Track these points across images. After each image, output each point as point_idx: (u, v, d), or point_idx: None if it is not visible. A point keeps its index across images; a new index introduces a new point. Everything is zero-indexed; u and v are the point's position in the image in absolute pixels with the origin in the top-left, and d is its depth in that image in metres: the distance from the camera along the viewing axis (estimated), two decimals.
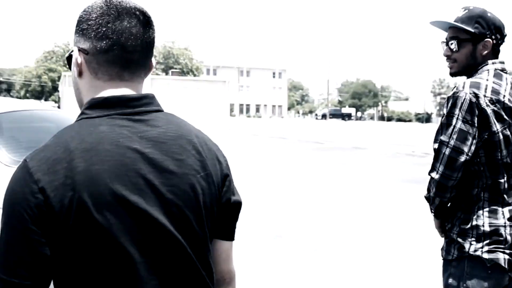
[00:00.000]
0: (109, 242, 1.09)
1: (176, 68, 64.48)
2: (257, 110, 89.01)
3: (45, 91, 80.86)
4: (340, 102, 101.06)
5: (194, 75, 66.94)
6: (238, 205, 1.34)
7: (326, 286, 4.69)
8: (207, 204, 1.23)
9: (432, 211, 2.36)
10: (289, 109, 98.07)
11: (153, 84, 51.01)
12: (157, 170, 1.16)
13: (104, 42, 1.20)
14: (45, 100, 68.72)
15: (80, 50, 1.23)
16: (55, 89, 79.46)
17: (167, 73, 61.51)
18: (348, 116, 78.63)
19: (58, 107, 44.74)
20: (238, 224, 1.43)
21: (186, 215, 1.18)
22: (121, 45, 1.20)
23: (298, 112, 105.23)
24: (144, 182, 1.14)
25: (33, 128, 4.61)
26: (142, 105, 1.23)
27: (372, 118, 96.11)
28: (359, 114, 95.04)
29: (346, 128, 41.26)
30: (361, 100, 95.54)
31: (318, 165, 14.18)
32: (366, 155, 17.46)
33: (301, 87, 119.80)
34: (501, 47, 2.35)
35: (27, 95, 78.93)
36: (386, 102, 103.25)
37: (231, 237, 1.35)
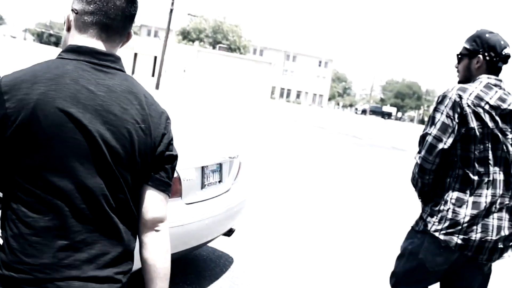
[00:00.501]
0: (46, 146, 1.37)
1: (224, 44, 64.55)
2: (298, 96, 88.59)
3: None
4: (382, 100, 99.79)
5: (241, 53, 66.93)
6: (171, 157, 1.57)
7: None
8: (141, 152, 1.48)
9: (418, 195, 2.82)
10: (329, 99, 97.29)
11: (198, 56, 51.14)
12: (104, 110, 1.42)
13: (91, 6, 1.49)
14: None
15: (72, 9, 1.53)
16: None
17: (214, 47, 61.63)
18: (388, 115, 77.74)
19: None
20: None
21: (117, 151, 1.43)
22: (104, 11, 1.49)
23: (338, 104, 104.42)
24: (90, 113, 1.40)
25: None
26: (107, 60, 1.50)
27: (412, 120, 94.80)
28: (399, 114, 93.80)
29: (385, 127, 40.85)
30: (404, 100, 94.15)
31: (356, 161, 14.11)
32: (405, 156, 17.27)
33: (344, 79, 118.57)
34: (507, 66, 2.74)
35: None
36: (428, 106, 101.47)
37: (163, 188, 1.56)
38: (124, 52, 49.48)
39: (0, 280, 1.39)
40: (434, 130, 2.59)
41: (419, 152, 2.65)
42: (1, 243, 1.42)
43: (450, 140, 2.56)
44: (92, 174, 1.41)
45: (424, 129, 2.66)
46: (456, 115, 2.55)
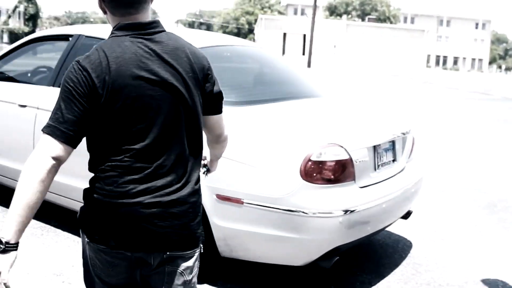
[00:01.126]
0: (131, 108, 1.72)
1: (372, 15, 62.75)
2: (455, 62, 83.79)
3: (241, 34, 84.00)
4: None
5: (391, 23, 64.63)
6: (219, 93, 1.95)
7: None
8: (197, 93, 1.84)
9: None
10: (490, 63, 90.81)
11: (348, 30, 50.30)
12: (163, 63, 1.77)
13: None
14: None
15: None
16: (250, 31, 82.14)
17: (363, 20, 60.21)
18: None
19: None
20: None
21: (183, 94, 1.78)
22: None
23: (500, 67, 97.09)
24: (155, 71, 1.75)
25: (235, 67, 4.40)
26: (151, 28, 1.80)
27: None
28: None
29: None
30: None
31: None
32: None
33: (505, 40, 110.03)
34: None
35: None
36: None
37: (217, 112, 1.98)
38: (272, 33, 50.17)
39: (97, 204, 1.78)
40: None
41: None
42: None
43: None
44: (186, 105, 1.81)
45: None
46: None
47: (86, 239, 1.84)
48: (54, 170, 1.68)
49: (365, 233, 3.38)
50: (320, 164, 3.13)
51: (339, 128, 3.54)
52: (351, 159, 3.24)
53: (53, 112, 1.71)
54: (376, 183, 3.47)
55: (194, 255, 1.91)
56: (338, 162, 3.19)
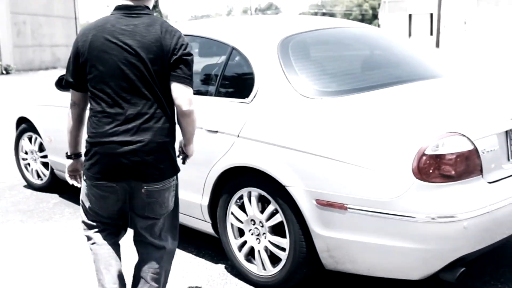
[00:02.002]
0: (100, 63, 2.38)
1: None
2: None
3: (365, 19, 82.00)
4: None
5: None
6: (178, 65, 2.39)
7: None
8: (158, 59, 2.37)
9: None
10: None
11: (479, 4, 47.10)
12: (131, 36, 2.37)
13: None
14: None
15: None
16: (375, 16, 79.87)
17: None
18: None
19: None
20: None
21: (142, 57, 2.36)
22: None
23: None
24: (122, 39, 2.36)
25: (338, 51, 3.88)
26: (135, 10, 2.42)
27: None
28: None
29: None
30: None
31: None
32: None
33: None
34: None
35: None
36: None
37: (182, 82, 2.40)
38: (397, 15, 48.31)
39: (87, 145, 2.46)
40: None
41: None
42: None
43: None
44: (130, 73, 2.36)
45: None
46: None
47: (84, 178, 2.54)
48: (74, 108, 2.57)
49: (498, 238, 2.79)
50: (437, 159, 2.61)
51: (461, 113, 2.95)
52: (476, 150, 2.68)
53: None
54: (510, 176, 2.87)
55: (166, 185, 2.50)
56: (460, 155, 2.64)
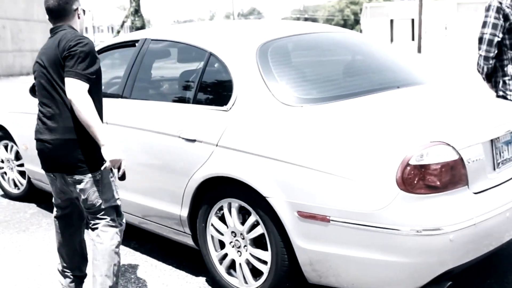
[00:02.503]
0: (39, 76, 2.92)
1: None
2: None
3: (347, 25, 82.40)
4: None
5: None
6: (67, 63, 2.75)
7: None
8: (55, 66, 2.81)
9: (484, 78, 4.10)
10: None
11: (459, 9, 47.47)
12: (48, 49, 2.88)
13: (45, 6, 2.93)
14: None
15: None
16: (357, 22, 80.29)
17: None
18: None
19: None
20: None
21: (46, 67, 2.84)
22: (46, 9, 2.92)
23: None
24: (39, 56, 2.90)
25: (318, 57, 3.79)
26: (55, 30, 2.92)
27: None
28: None
29: None
30: None
31: None
32: None
33: None
34: None
35: None
36: None
37: (67, 75, 2.74)
38: (379, 21, 48.57)
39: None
40: (488, 30, 3.89)
41: (480, 48, 3.95)
42: None
43: (501, 34, 3.90)
44: (44, 79, 2.86)
45: (481, 32, 3.93)
46: (501, 16, 3.86)
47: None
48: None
49: (485, 250, 2.71)
50: (422, 169, 2.52)
51: (445, 121, 2.87)
52: (461, 159, 2.61)
53: None
54: (496, 186, 2.80)
55: (81, 178, 2.84)
56: (445, 165, 2.56)
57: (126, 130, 3.64)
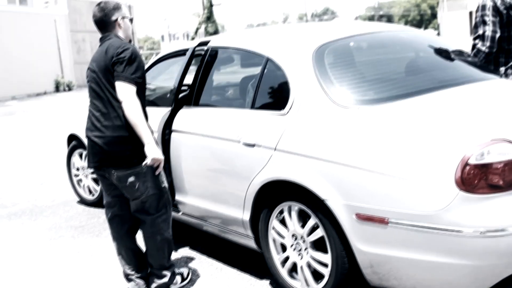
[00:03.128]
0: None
1: None
2: None
3: (424, 20, 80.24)
4: None
5: None
6: (117, 69, 3.13)
7: None
8: (105, 71, 3.17)
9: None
10: None
11: None
12: (98, 56, 3.25)
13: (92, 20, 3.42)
14: (425, 28, 68.06)
15: None
16: (434, 16, 77.97)
17: None
18: None
19: (438, 34, 43.50)
20: None
21: (96, 72, 3.22)
22: (93, 22, 3.35)
23: None
24: (94, 60, 3.29)
25: (381, 57, 3.70)
26: (103, 39, 3.29)
27: None
28: None
29: None
30: None
31: None
32: None
33: None
34: None
35: (407, 25, 79.52)
36: None
37: (118, 79, 3.11)
38: (457, 14, 47.04)
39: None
40: (489, 27, 4.16)
41: (484, 45, 4.15)
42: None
43: (499, 30, 4.17)
44: (94, 83, 3.24)
45: (481, 30, 4.19)
46: (496, 13, 4.18)
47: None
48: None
49: None
50: (483, 168, 2.44)
51: (508, 118, 2.77)
52: None
53: None
54: None
55: (129, 172, 3.19)
56: (508, 163, 2.45)
57: (191, 137, 3.73)
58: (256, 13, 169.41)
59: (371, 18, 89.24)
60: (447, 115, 2.80)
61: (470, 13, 46.25)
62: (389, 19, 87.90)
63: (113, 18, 3.29)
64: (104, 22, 3.29)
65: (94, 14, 3.31)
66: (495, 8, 4.17)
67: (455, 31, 37.36)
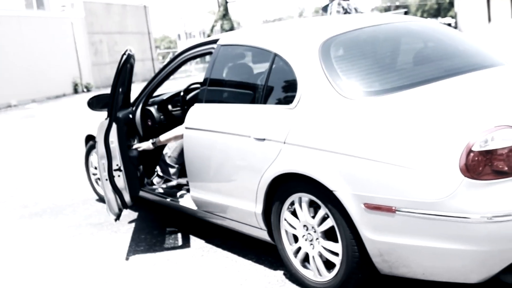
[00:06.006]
0: None
1: None
2: None
3: (441, 8, 79.45)
4: None
5: None
6: None
7: None
8: None
9: None
10: None
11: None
12: None
13: None
14: (442, 17, 67.34)
15: None
16: (451, 4, 77.10)
17: None
18: None
19: (455, 22, 42.99)
20: None
21: None
22: None
23: None
24: None
25: (387, 49, 3.70)
26: None
27: None
28: None
29: None
30: None
31: None
32: None
33: None
34: None
35: (424, 15, 78.77)
36: None
37: None
38: (474, 1, 46.49)
39: None
40: None
41: None
42: None
43: None
44: None
45: None
46: None
47: None
48: None
49: None
50: (487, 154, 2.47)
51: None
52: None
53: None
54: None
55: None
56: None
57: (203, 134, 3.81)
58: (272, 8, 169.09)
59: (387, 9, 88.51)
60: (451, 104, 2.82)
61: (488, 0, 45.69)
62: (406, 8, 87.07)
63: None
64: None
65: None
66: None
67: (473, 20, 36.88)
